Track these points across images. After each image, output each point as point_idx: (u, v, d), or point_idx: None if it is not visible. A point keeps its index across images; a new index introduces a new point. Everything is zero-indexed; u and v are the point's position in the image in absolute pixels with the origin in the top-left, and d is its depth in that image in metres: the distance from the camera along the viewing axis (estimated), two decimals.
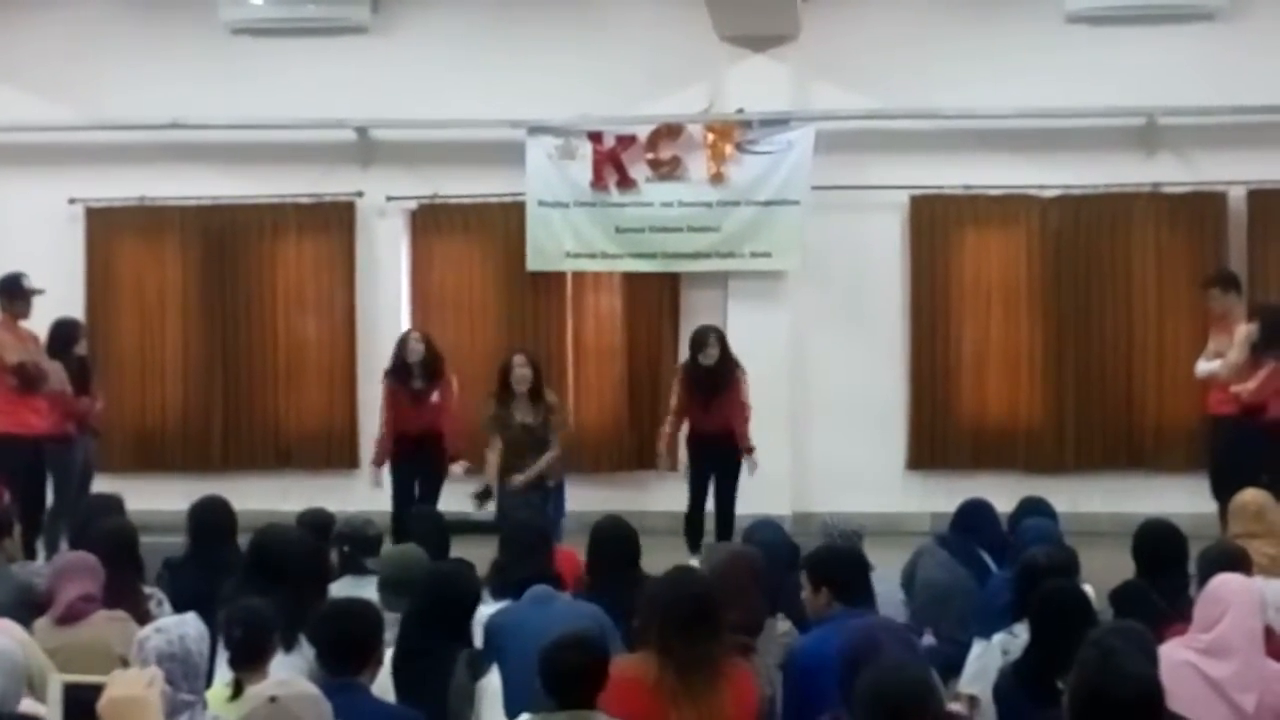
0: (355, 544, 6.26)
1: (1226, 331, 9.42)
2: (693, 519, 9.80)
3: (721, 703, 4.43)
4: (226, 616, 4.73)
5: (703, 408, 9.69)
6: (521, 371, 9.30)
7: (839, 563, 5.30)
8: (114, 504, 7.25)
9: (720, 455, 9.69)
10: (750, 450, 9.59)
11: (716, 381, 9.60)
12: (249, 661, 4.57)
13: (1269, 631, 4.97)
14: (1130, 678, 3.48)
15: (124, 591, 5.69)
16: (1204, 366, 9.50)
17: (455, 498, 9.81)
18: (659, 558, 8.56)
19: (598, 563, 6.09)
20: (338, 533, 6.40)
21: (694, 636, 4.44)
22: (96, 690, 2.80)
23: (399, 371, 9.78)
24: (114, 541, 5.91)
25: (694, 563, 8.88)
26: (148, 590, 6.05)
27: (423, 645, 4.97)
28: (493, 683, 5.01)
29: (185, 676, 4.31)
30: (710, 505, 9.79)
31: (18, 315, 9.56)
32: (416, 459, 9.76)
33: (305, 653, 5.01)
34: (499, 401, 9.34)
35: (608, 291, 11.81)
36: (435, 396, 9.76)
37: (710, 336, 9.67)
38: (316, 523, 6.73)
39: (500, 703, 4.94)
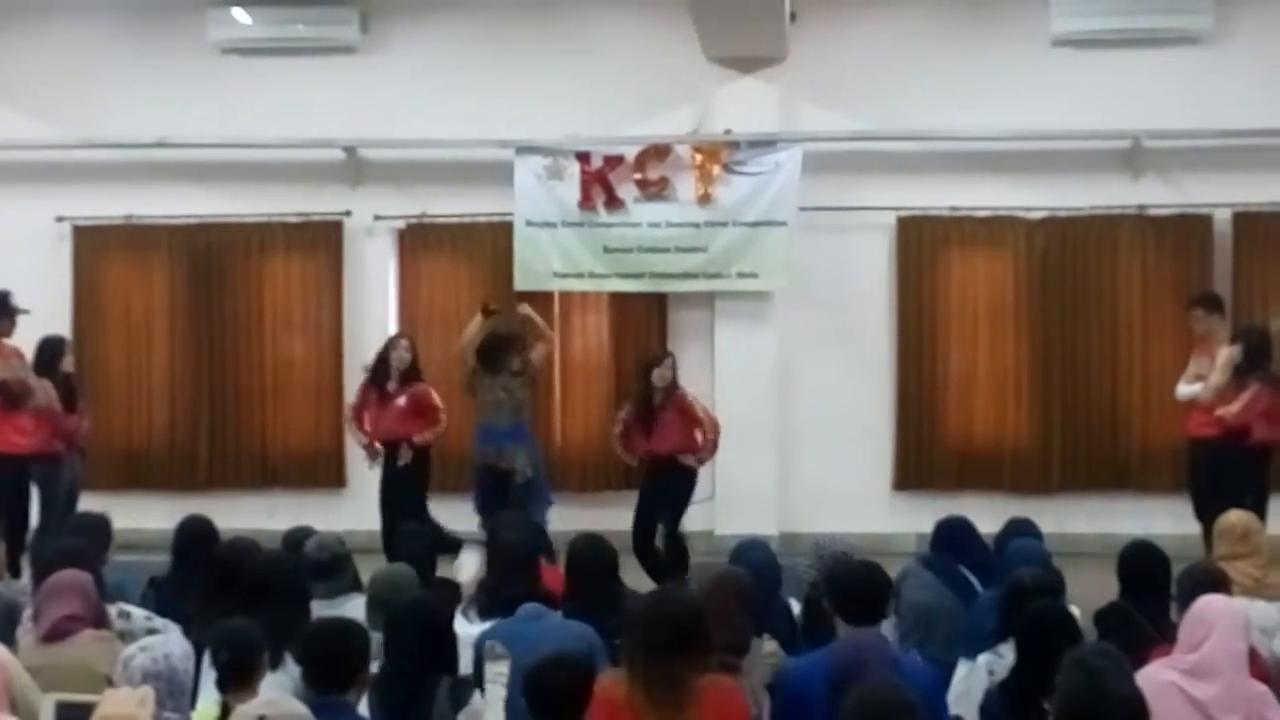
0: (322, 566, 6.20)
1: (1208, 353, 9.44)
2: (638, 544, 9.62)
3: None
4: (213, 638, 4.71)
5: (645, 432, 9.69)
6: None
7: (844, 583, 5.25)
8: (100, 523, 7.21)
9: (663, 476, 9.69)
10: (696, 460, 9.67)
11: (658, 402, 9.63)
12: (236, 683, 4.55)
13: (1253, 653, 4.99)
14: (1116, 698, 3.49)
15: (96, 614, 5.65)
16: (1185, 390, 9.52)
17: (448, 517, 9.91)
18: (643, 577, 8.60)
19: (576, 581, 6.09)
20: (303, 555, 6.28)
21: (664, 657, 4.41)
22: (88, 709, 2.80)
23: (377, 373, 10.11)
24: (69, 564, 5.83)
25: None
26: (119, 607, 5.99)
27: (403, 670, 4.95)
28: (475, 705, 5.01)
29: (170, 695, 4.32)
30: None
31: (1, 333, 9.55)
32: (394, 468, 10.04)
33: (291, 671, 4.99)
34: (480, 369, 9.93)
35: (595, 311, 11.81)
36: (403, 401, 10.00)
37: (666, 360, 9.77)
38: (302, 542, 6.70)
39: None
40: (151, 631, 5.41)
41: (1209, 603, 4.90)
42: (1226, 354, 9.24)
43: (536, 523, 8.39)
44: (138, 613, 5.90)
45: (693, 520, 10.24)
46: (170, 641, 4.55)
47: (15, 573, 8.68)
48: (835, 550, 6.30)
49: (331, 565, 6.17)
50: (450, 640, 5.17)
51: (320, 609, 5.72)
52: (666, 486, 9.64)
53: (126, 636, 5.39)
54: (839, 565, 5.63)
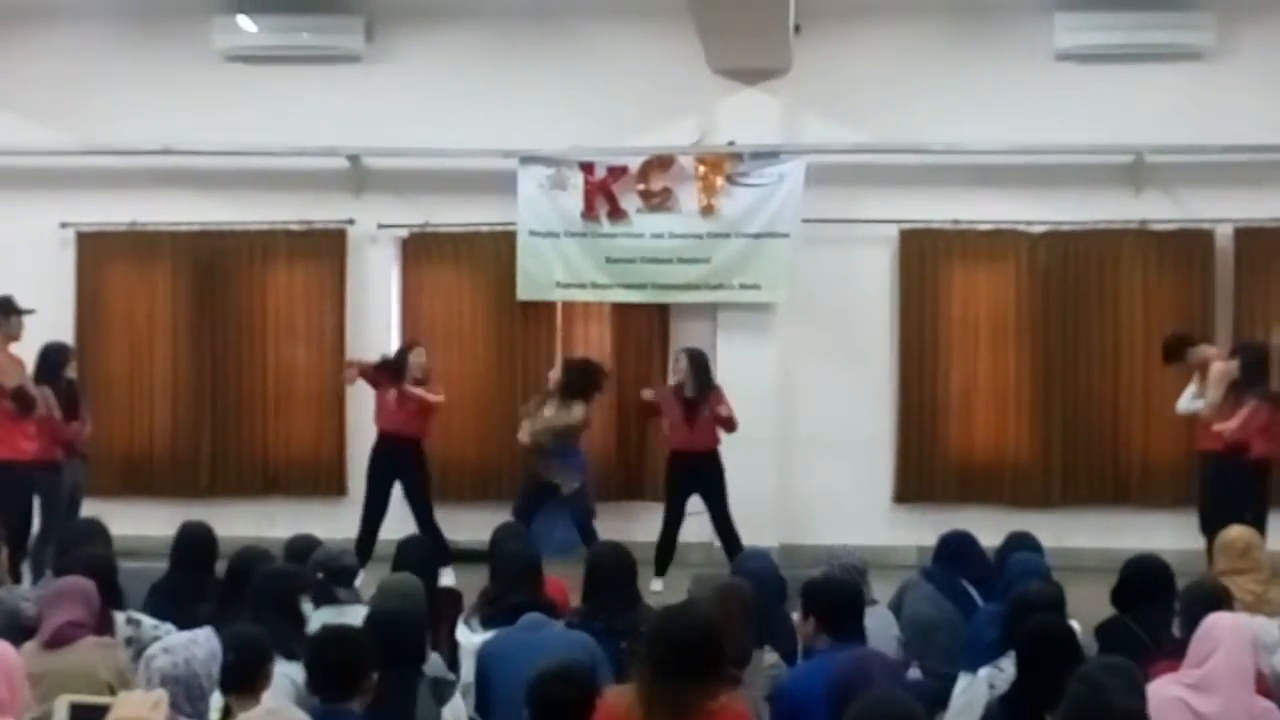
0: (329, 574, 6.22)
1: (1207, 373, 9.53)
2: (664, 540, 10.13)
3: None
4: (222, 642, 4.71)
5: (687, 424, 10.03)
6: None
7: (828, 594, 5.33)
8: (96, 530, 7.19)
9: (702, 475, 10.04)
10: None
11: (693, 398, 10.08)
12: (240, 687, 4.55)
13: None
14: (1119, 712, 3.49)
15: (99, 621, 5.65)
16: (1185, 404, 9.57)
17: (453, 528, 9.99)
18: (645, 587, 8.58)
19: (595, 586, 6.09)
20: (312, 563, 6.35)
21: (672, 678, 4.38)
22: (102, 711, 2.82)
23: (394, 369, 10.44)
24: (91, 571, 5.81)
25: (658, 586, 9.23)
26: (129, 614, 6.00)
27: (382, 669, 4.94)
28: (456, 702, 5.02)
29: (188, 699, 4.31)
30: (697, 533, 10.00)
31: (10, 337, 9.55)
32: (397, 463, 10.37)
33: (289, 672, 4.98)
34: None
35: (597, 321, 11.82)
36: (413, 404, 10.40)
37: (681, 355, 10.29)
38: (304, 549, 6.72)
39: None
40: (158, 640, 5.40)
41: (1217, 619, 4.91)
42: (1221, 369, 9.31)
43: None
44: (147, 621, 5.91)
45: (692, 531, 10.29)
46: (193, 644, 4.50)
47: (16, 578, 8.68)
48: (846, 562, 6.35)
49: (351, 572, 6.30)
50: (423, 639, 5.20)
51: (325, 616, 5.74)
52: (704, 484, 10.14)
53: (135, 644, 5.40)
54: (826, 578, 5.67)
